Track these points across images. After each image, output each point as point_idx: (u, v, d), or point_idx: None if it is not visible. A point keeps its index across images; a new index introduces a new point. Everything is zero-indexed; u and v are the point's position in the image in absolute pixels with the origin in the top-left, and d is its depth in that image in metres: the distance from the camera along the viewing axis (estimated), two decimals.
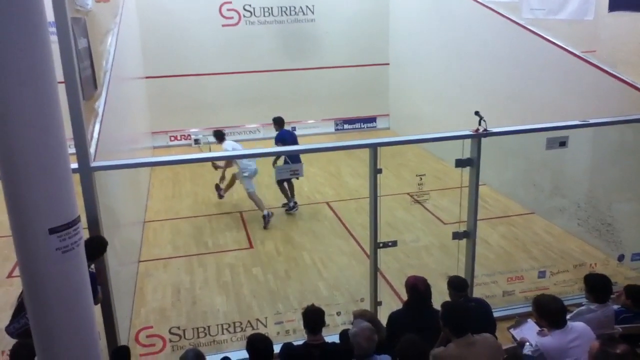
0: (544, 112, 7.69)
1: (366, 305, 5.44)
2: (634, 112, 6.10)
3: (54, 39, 3.12)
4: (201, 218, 8.64)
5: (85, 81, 7.45)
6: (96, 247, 4.27)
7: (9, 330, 3.91)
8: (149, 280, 6.67)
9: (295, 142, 8.59)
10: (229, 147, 8.56)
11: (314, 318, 4.06)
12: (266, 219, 8.11)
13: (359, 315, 4.14)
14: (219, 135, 8.87)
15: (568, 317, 4.04)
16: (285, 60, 13.06)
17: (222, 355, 4.59)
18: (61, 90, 2.92)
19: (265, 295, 6.23)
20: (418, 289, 4.29)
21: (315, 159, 8.42)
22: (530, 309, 5.59)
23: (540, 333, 4.05)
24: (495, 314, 4.61)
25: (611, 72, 6.94)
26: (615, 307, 4.48)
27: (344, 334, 4.25)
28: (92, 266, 4.28)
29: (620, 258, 6.29)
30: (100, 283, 4.43)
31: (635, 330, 4.31)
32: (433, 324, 3.93)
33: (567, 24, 7.92)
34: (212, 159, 7.61)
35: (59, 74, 2.81)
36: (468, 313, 3.81)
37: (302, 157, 7.64)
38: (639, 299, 4.55)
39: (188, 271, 6.87)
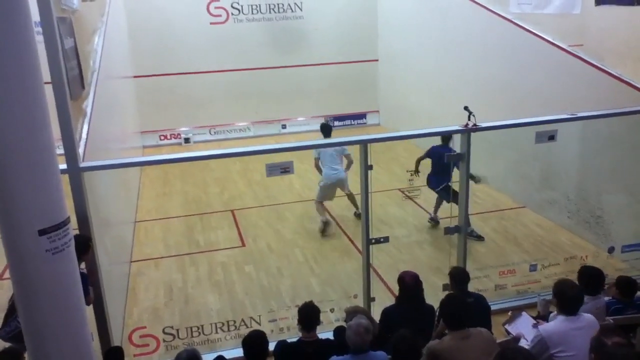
0: (534, 105, 7.72)
1: (359, 302, 5.45)
2: (620, 104, 6.14)
3: (39, 39, 3.09)
4: (192, 217, 8.61)
5: (72, 81, 7.40)
6: (78, 246, 4.22)
7: (1, 334, 3.89)
8: (141, 280, 6.64)
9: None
10: (315, 153, 7.75)
11: (308, 315, 4.05)
12: (323, 226, 7.64)
13: (352, 312, 4.13)
14: (324, 130, 7.97)
15: None
16: (274, 57, 13.01)
17: (216, 354, 4.58)
18: (48, 90, 2.90)
19: (258, 293, 6.22)
20: (405, 282, 4.29)
21: (306, 156, 8.45)
22: (522, 302, 5.68)
23: (535, 326, 4.06)
24: None
25: (598, 65, 6.97)
26: (606, 298, 4.51)
27: (338, 331, 4.25)
28: (83, 266, 4.24)
29: (611, 250, 6.34)
30: (92, 284, 4.40)
31: (627, 321, 4.35)
32: (425, 318, 3.93)
33: (556, 18, 7.95)
34: (199, 158, 7.54)
35: (45, 74, 2.79)
36: (466, 307, 3.80)
37: (293, 154, 7.56)
38: (627, 290, 4.59)
39: (180, 270, 6.84)
